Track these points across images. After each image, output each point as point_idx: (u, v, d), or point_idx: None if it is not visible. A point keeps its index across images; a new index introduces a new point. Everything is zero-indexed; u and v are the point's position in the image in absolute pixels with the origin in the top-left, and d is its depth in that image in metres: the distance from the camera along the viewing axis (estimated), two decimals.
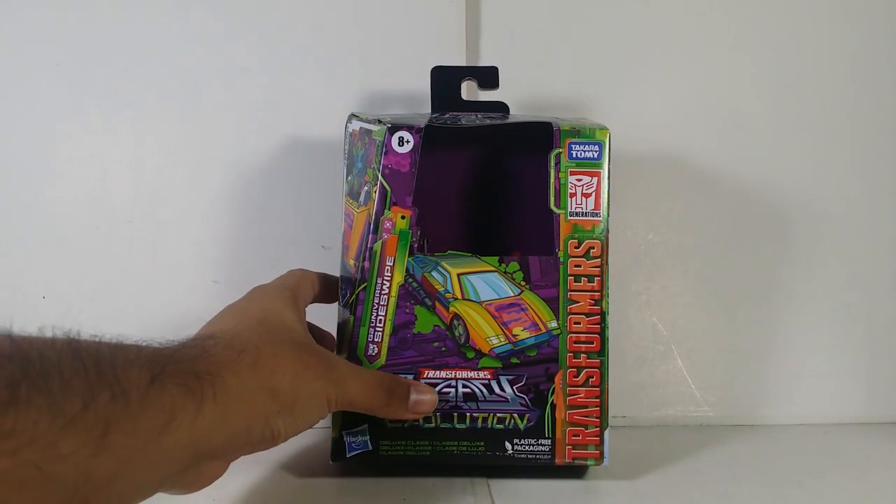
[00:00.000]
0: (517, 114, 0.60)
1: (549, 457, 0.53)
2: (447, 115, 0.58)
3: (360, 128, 0.57)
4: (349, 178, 0.58)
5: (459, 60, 0.66)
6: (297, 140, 0.67)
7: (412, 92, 0.63)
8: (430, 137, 0.54)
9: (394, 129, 0.54)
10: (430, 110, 0.60)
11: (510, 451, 0.53)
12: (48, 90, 0.65)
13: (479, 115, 0.58)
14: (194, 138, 0.66)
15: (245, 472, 0.54)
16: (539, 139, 0.55)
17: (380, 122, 0.55)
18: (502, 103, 0.60)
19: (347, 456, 0.53)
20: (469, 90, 0.63)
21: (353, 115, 0.59)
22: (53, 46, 0.65)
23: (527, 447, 0.53)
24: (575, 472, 0.54)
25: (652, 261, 0.68)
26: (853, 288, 0.69)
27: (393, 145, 0.54)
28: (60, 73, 0.65)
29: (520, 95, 0.66)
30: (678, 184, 0.68)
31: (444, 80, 0.60)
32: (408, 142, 0.54)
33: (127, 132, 0.65)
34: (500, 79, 0.60)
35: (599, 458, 0.53)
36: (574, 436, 0.53)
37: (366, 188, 0.55)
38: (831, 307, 0.69)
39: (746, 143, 0.69)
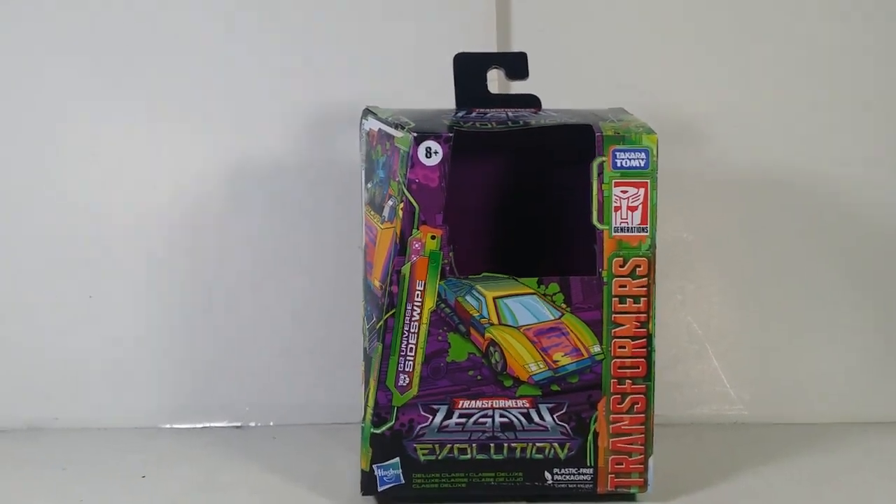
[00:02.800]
0: (549, 108, 0.54)
1: (591, 486, 0.51)
2: (474, 114, 0.52)
3: (380, 129, 0.51)
4: (369, 185, 0.53)
5: (489, 47, 0.61)
6: (326, 137, 0.65)
7: (436, 82, 0.57)
8: (460, 145, 0.49)
9: (420, 138, 0.48)
10: (453, 103, 0.55)
11: (550, 482, 0.50)
12: (60, 81, 0.64)
13: (510, 112, 0.53)
14: (232, 141, 0.65)
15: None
16: (580, 147, 0.49)
17: (401, 126, 0.49)
18: (533, 96, 0.55)
19: (379, 490, 0.50)
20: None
21: (368, 111, 0.54)
22: (65, 38, 0.64)
23: (567, 476, 0.50)
24: (619, 498, 0.52)
25: (687, 260, 0.66)
26: (889, 283, 0.67)
27: (420, 157, 0.48)
28: (72, 64, 0.64)
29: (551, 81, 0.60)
30: (713, 181, 0.65)
31: (469, 69, 0.54)
32: (436, 153, 0.48)
33: (167, 135, 0.65)
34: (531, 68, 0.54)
35: (643, 485, 0.51)
36: (617, 464, 0.50)
37: (390, 202, 0.50)
38: (867, 304, 0.67)
39: (781, 139, 0.66)
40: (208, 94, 0.65)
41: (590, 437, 0.50)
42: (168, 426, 0.65)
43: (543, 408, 0.50)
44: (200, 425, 0.65)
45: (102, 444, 0.62)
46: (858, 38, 0.66)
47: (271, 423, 0.65)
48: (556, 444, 0.50)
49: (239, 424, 0.65)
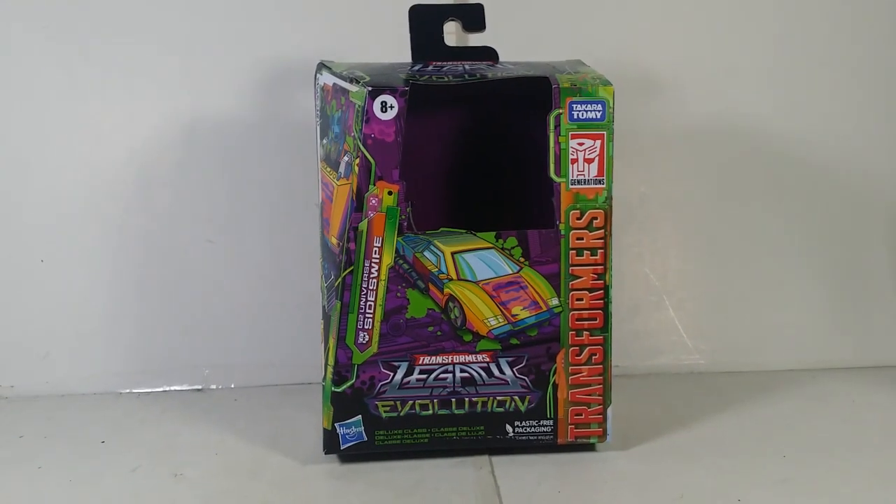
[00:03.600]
0: (507, 61, 0.54)
1: (551, 437, 0.51)
2: (430, 68, 0.51)
3: (334, 84, 0.50)
4: (324, 141, 0.52)
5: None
6: (284, 93, 0.63)
7: (392, 35, 0.56)
8: (416, 99, 0.48)
9: (375, 92, 0.47)
10: (408, 57, 0.54)
11: (511, 434, 0.51)
12: (10, 42, 0.62)
13: (467, 65, 0.52)
14: (185, 100, 0.64)
15: (234, 461, 0.51)
16: (537, 99, 0.49)
17: (356, 80, 0.49)
18: (491, 49, 0.54)
19: (341, 448, 0.50)
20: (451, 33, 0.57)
21: (322, 65, 0.53)
22: (42, 9, 0.62)
23: (528, 429, 0.51)
24: (578, 448, 0.53)
25: (644, 213, 0.66)
26: (842, 236, 0.68)
27: (375, 111, 0.48)
28: (23, 25, 0.62)
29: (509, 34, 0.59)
30: (670, 136, 0.66)
31: (425, 22, 0.53)
32: (392, 107, 0.48)
33: (119, 95, 0.63)
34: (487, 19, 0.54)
35: (602, 435, 0.52)
36: (577, 415, 0.51)
37: (346, 159, 0.49)
38: (820, 256, 0.68)
39: (738, 94, 0.66)
40: (160, 52, 0.63)
41: (549, 389, 0.51)
42: (127, 391, 0.64)
43: (503, 361, 0.50)
44: (160, 389, 0.64)
45: (60, 410, 0.61)
46: None
47: (232, 386, 0.65)
48: (516, 398, 0.51)
49: (199, 387, 0.65)
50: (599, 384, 0.51)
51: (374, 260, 0.49)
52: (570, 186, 0.49)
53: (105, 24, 0.62)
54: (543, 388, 0.51)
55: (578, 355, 0.51)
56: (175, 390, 0.64)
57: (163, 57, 0.63)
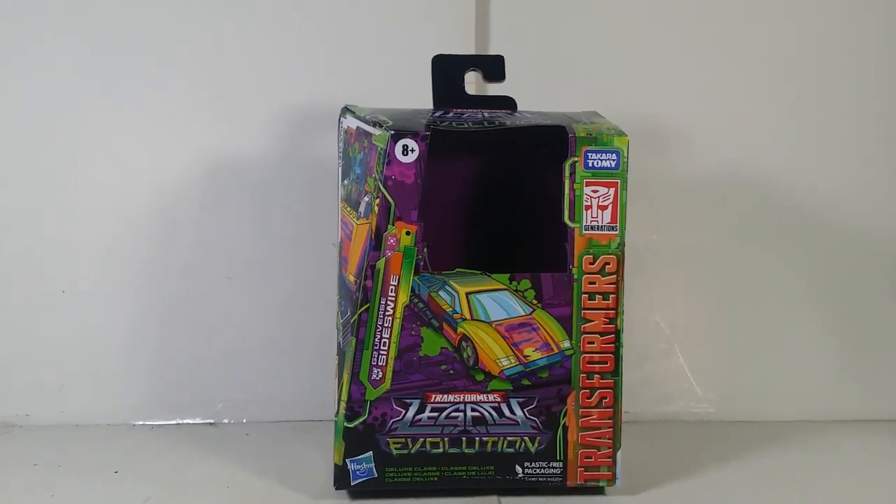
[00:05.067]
0: (525, 110, 0.55)
1: (561, 479, 0.51)
2: (451, 114, 0.53)
3: (357, 127, 0.52)
4: (346, 181, 0.54)
5: (467, 50, 0.62)
6: (305, 136, 0.66)
7: (415, 83, 0.58)
8: (436, 144, 0.50)
9: (397, 136, 0.49)
10: (430, 104, 0.56)
11: (520, 475, 0.51)
12: (69, 90, 0.65)
13: (486, 113, 0.54)
14: (208, 138, 0.66)
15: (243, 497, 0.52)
16: (553, 147, 0.51)
17: (379, 124, 0.50)
18: (509, 98, 0.56)
19: (352, 484, 0.51)
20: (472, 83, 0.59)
21: (346, 109, 0.55)
22: (50, 38, 0.65)
23: (537, 470, 0.51)
24: (587, 491, 0.53)
25: (655, 260, 0.67)
26: (853, 287, 0.69)
27: (396, 154, 0.49)
28: (57, 64, 0.65)
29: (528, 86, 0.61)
30: (681, 184, 0.67)
31: (447, 71, 0.55)
32: (412, 150, 0.49)
33: (145, 132, 0.66)
34: (507, 70, 0.56)
35: (612, 479, 0.52)
36: (586, 458, 0.51)
37: (366, 199, 0.50)
38: (832, 305, 0.69)
39: (750, 144, 0.68)
40: (188, 93, 0.65)
41: (559, 431, 0.51)
42: (141, 423, 0.65)
43: (514, 402, 0.51)
44: (173, 422, 0.65)
45: (75, 440, 0.62)
46: (830, 43, 0.68)
47: (244, 420, 0.65)
48: (526, 438, 0.51)
49: (212, 421, 0.65)
50: (609, 427, 0.51)
51: (389, 298, 0.50)
52: (584, 232, 0.50)
53: (136, 65, 0.65)
54: (553, 430, 0.51)
55: (589, 398, 0.51)
56: (188, 423, 0.65)
57: (190, 97, 0.65)
